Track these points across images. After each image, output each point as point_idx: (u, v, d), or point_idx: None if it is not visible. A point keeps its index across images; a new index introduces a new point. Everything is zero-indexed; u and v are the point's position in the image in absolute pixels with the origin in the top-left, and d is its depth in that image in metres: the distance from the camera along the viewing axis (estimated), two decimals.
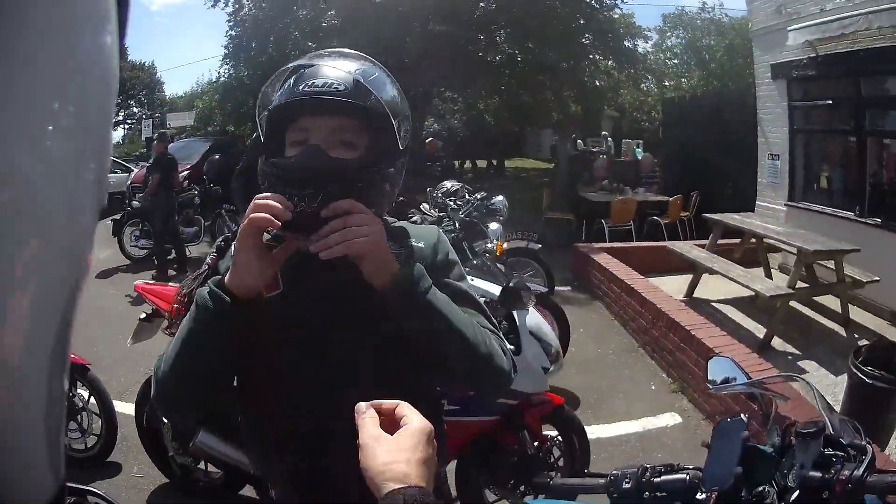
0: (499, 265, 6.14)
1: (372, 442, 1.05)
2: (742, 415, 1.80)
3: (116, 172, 19.14)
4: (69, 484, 0.69)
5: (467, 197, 6.86)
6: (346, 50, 1.58)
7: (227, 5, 22.21)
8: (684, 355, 5.72)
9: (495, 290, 4.46)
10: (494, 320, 1.69)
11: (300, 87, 1.44)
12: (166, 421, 4.02)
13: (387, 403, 1.11)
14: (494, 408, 3.63)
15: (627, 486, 1.70)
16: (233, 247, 1.57)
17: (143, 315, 4.26)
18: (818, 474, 1.44)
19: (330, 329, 1.51)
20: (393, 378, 1.37)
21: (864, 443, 1.54)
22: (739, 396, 3.92)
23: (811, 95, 9.81)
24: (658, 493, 1.68)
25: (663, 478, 1.68)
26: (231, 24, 22.50)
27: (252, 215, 1.36)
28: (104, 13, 0.56)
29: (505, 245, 6.80)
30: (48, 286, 0.54)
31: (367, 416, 1.09)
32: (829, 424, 1.61)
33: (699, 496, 1.61)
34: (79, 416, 4.51)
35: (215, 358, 1.45)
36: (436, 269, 1.57)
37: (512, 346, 3.88)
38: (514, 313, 4.08)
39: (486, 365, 1.52)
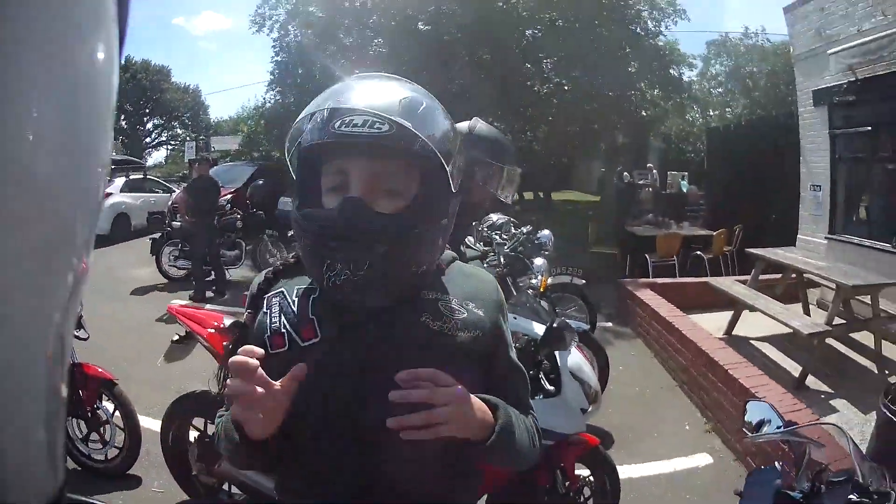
0: (542, 302, 5.96)
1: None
2: (776, 462, 1.87)
3: (157, 192, 19.70)
4: (70, 495, 0.68)
5: (513, 231, 6.70)
6: (388, 75, 1.41)
7: (271, 31, 22.70)
8: (721, 395, 5.68)
9: (538, 328, 4.36)
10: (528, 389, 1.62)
11: (335, 124, 1.27)
12: (193, 441, 4.11)
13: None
14: None
15: None
16: (269, 305, 1.46)
17: (176, 337, 4.35)
18: None
19: (372, 381, 1.31)
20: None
21: (888, 489, 1.59)
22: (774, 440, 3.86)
23: (852, 121, 9.80)
24: None
25: None
26: (276, 49, 23.04)
27: (230, 387, 1.18)
28: (102, 20, 0.56)
29: (549, 280, 6.65)
30: (45, 290, 0.54)
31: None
32: (858, 472, 1.65)
33: None
34: (101, 429, 4.62)
35: (263, 452, 1.30)
36: (495, 342, 1.48)
37: (552, 387, 3.96)
38: (556, 353, 4.05)
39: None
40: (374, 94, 1.29)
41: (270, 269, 1.58)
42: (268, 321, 1.43)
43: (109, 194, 17.38)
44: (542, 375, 4.00)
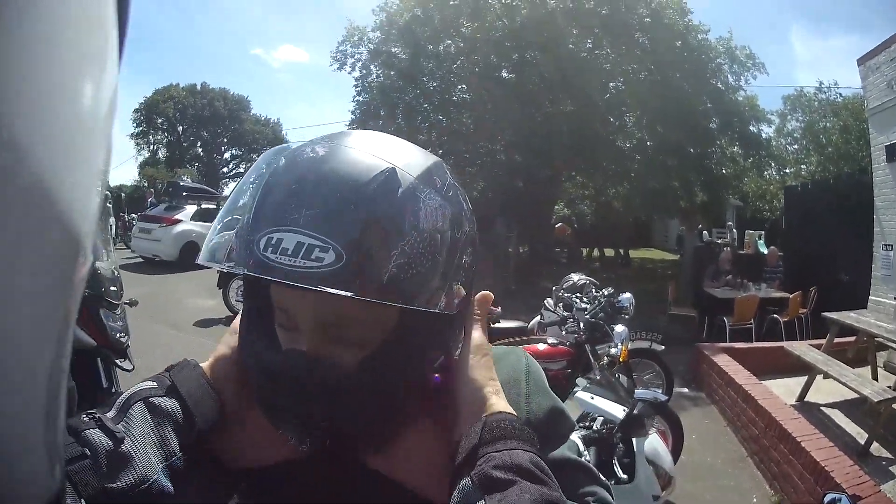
0: (621, 377, 5.80)
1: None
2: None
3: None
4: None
5: (594, 293, 6.43)
6: (375, 134, 0.97)
7: (353, 69, 22.49)
8: (790, 468, 5.69)
9: (616, 410, 4.23)
10: (604, 480, 1.13)
11: (259, 241, 0.80)
12: None
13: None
14: None
15: None
16: None
17: None
18: None
19: None
20: None
21: None
22: None
23: None
24: None
25: None
26: (358, 88, 22.72)
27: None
28: (100, 23, 0.56)
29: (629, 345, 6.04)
30: (45, 288, 0.53)
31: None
32: None
33: None
34: None
35: None
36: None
37: (625, 475, 3.92)
38: (633, 439, 4.03)
39: None
40: (326, 188, 0.81)
41: None
42: None
43: (179, 221, 18.29)
44: (615, 461, 3.96)
